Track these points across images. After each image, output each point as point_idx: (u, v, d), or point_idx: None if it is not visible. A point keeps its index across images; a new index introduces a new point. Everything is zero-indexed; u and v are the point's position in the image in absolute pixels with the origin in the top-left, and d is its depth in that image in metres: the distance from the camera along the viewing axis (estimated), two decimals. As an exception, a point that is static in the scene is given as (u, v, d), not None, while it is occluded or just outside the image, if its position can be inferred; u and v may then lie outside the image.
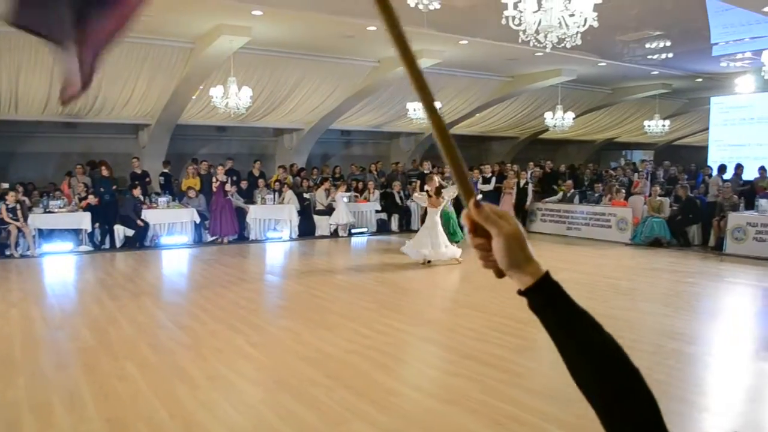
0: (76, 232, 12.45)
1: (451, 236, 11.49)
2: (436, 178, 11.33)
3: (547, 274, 0.99)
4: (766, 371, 5.43)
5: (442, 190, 10.77)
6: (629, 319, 7.06)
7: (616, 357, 0.95)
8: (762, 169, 15.01)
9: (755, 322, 7.62)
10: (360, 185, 16.36)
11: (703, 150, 20.50)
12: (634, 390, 0.93)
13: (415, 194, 11.82)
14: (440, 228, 10.68)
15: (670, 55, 13.77)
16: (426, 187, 11.24)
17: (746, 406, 4.62)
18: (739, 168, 15.27)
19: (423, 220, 11.37)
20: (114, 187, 13.71)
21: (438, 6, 8.24)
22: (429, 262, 10.55)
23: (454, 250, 10.70)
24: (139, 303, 7.85)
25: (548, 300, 0.99)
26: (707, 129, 20.11)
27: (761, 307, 8.42)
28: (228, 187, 13.73)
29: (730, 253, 11.82)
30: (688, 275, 10.12)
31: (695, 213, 13.31)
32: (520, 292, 1.01)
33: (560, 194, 16.02)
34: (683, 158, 21.78)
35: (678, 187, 14.37)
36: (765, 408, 4.64)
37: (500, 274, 1.02)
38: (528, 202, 15.76)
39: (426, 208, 11.14)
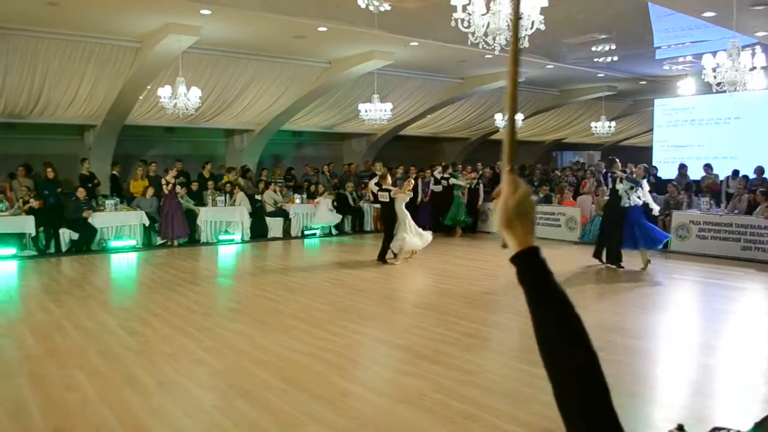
0: (20, 236, 12.06)
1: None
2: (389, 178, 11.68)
3: (535, 247, 1.10)
4: (711, 365, 5.61)
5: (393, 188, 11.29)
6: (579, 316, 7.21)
7: (581, 335, 1.04)
8: (707, 166, 15.53)
9: (699, 317, 7.88)
10: (312, 187, 16.32)
11: (647, 150, 21.06)
12: (592, 370, 1.02)
13: (378, 189, 11.46)
14: (410, 218, 11.07)
15: (615, 58, 14.12)
16: (384, 185, 11.37)
17: (692, 399, 4.77)
18: (683, 168, 15.75)
19: (381, 221, 11.42)
20: (59, 190, 13.34)
21: (388, 8, 8.27)
22: (414, 252, 11.09)
23: (428, 237, 11.26)
24: (87, 309, 7.66)
25: (533, 268, 1.09)
26: (651, 130, 20.67)
27: (705, 302, 8.71)
28: (178, 188, 13.50)
29: (675, 250, 12.20)
30: (635, 272, 10.39)
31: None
32: (510, 259, 1.12)
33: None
34: (629, 159, 22.30)
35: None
36: (710, 401, 4.80)
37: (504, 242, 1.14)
38: (479, 202, 15.98)
39: (382, 210, 11.44)
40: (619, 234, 10.17)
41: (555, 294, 1.07)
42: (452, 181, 15.54)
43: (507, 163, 1.17)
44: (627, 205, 10.12)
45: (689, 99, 18.22)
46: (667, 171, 16.95)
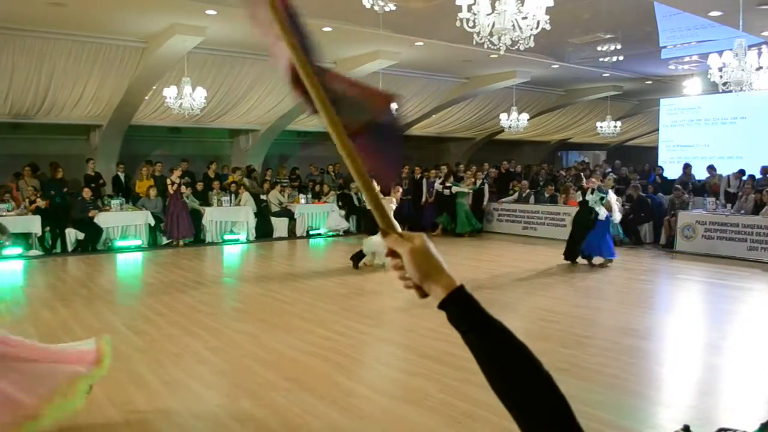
0: (26, 236, 12.11)
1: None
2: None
3: (461, 287, 1.04)
4: (717, 365, 5.59)
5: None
6: (584, 316, 7.21)
7: (528, 365, 1.00)
8: (710, 167, 15.48)
9: (705, 317, 7.85)
10: (317, 187, 16.35)
11: (653, 150, 21.01)
12: (547, 397, 0.98)
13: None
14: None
15: (621, 57, 14.10)
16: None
17: (698, 400, 4.76)
18: (687, 167, 15.70)
19: (372, 223, 10.98)
20: (65, 190, 13.38)
21: (393, 8, 8.27)
22: (383, 264, 10.35)
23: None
24: (93, 308, 7.68)
25: (463, 312, 1.04)
26: (657, 130, 20.62)
27: (711, 303, 8.68)
28: (183, 189, 13.53)
29: (680, 250, 12.16)
30: (641, 273, 10.38)
31: (647, 212, 13.66)
32: (438, 306, 1.05)
33: (516, 194, 16.23)
34: (634, 158, 22.30)
35: (631, 186, 14.72)
36: (716, 401, 4.78)
37: (422, 294, 1.08)
38: (485, 202, 15.97)
39: (365, 215, 10.99)
40: (583, 238, 10.64)
41: (497, 324, 1.04)
42: (455, 189, 15.48)
43: (382, 223, 1.13)
44: (597, 215, 10.53)
45: (695, 99, 18.19)
46: (672, 171, 16.90)
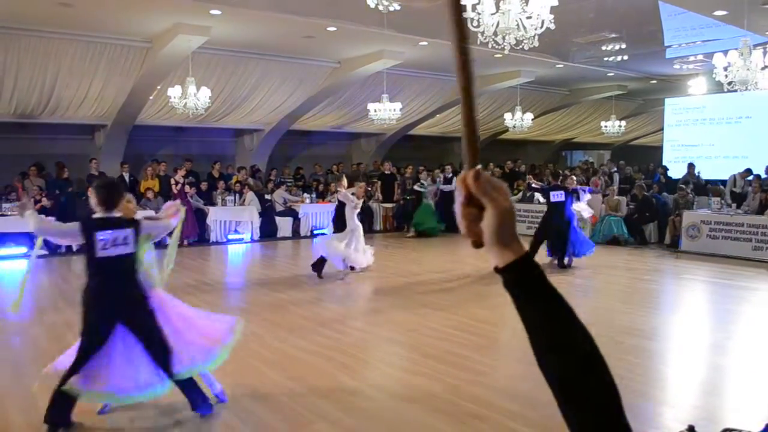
0: (31, 235, 12.12)
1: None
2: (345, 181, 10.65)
3: (528, 254, 0.98)
4: (722, 365, 5.58)
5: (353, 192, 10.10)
6: (589, 316, 7.17)
7: (584, 342, 0.95)
8: (690, 165, 15.48)
9: (710, 317, 7.83)
10: (321, 186, 16.36)
11: (657, 150, 20.97)
12: (599, 377, 0.93)
13: (344, 192, 9.99)
14: (360, 231, 9.93)
15: (626, 57, 14.06)
16: (343, 189, 10.13)
17: (703, 400, 4.75)
18: (691, 167, 15.66)
19: (338, 224, 9.95)
20: (70, 189, 13.41)
21: (398, 7, 8.27)
22: (352, 268, 9.93)
23: (370, 258, 10.10)
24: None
25: (527, 277, 0.97)
26: (662, 129, 20.57)
27: (715, 302, 8.65)
28: (187, 188, 13.54)
29: (685, 250, 12.13)
30: (646, 272, 10.36)
31: (651, 211, 13.64)
32: (498, 269, 0.99)
33: (520, 194, 16.21)
34: (638, 158, 22.26)
35: (635, 186, 14.70)
36: (721, 401, 4.77)
37: (478, 245, 1.01)
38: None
39: (340, 211, 9.97)
40: (556, 237, 10.50)
41: (562, 298, 0.97)
42: (416, 187, 15.53)
43: (469, 164, 1.03)
44: (570, 214, 10.57)
45: (700, 98, 18.14)
46: (677, 171, 16.86)
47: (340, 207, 9.94)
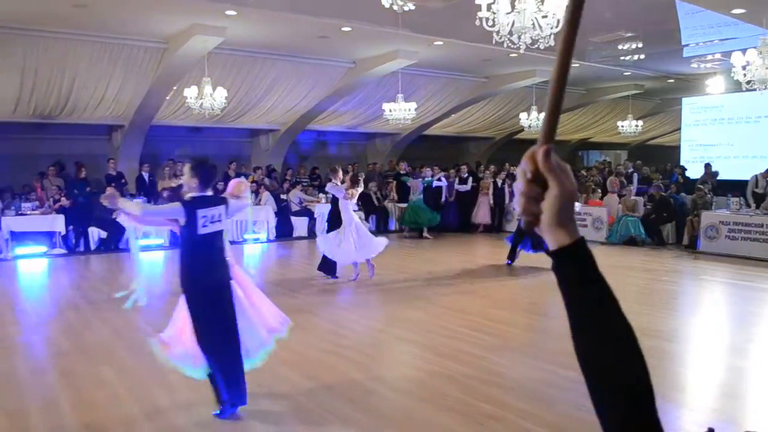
0: (50, 234, 12.27)
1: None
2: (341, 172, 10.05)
3: (583, 239, 0.98)
4: (742, 367, 5.53)
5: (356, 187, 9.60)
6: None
7: (626, 334, 0.97)
8: (707, 165, 15.33)
9: (730, 319, 7.76)
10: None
11: (675, 150, 20.79)
12: (636, 369, 0.95)
13: (332, 183, 9.49)
14: (357, 223, 9.44)
15: (642, 56, 13.96)
16: (341, 182, 9.54)
17: (723, 403, 4.71)
18: (708, 167, 15.52)
19: (333, 221, 9.67)
20: (88, 189, 13.54)
21: (412, 7, 8.27)
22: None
23: (378, 246, 9.47)
24: (116, 306, 7.74)
25: (580, 261, 0.98)
26: (679, 129, 20.40)
27: (735, 304, 8.57)
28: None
29: (704, 251, 12.01)
30: (663, 273, 10.28)
31: (669, 212, 13.52)
32: (552, 251, 0.98)
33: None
34: (656, 158, 22.09)
35: (652, 186, 14.59)
36: (741, 404, 4.73)
37: (531, 226, 1.00)
38: (507, 201, 15.89)
39: (334, 207, 9.62)
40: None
41: (608, 288, 0.99)
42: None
43: (543, 141, 1.00)
44: None
45: (718, 97, 17.97)
46: (695, 170, 16.70)
47: (335, 202, 9.54)
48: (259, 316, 4.53)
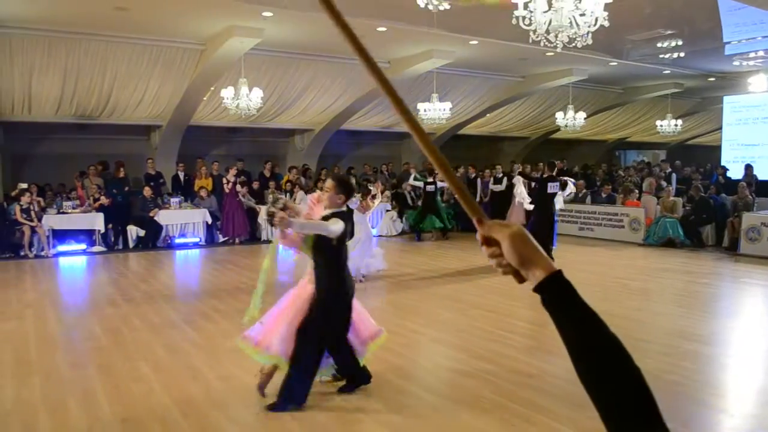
0: (90, 232, 12.54)
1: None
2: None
3: (559, 272, 1.06)
4: (781, 372, 5.38)
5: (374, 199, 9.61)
6: (642, 320, 7.03)
7: (619, 356, 1.01)
8: (747, 166, 14.92)
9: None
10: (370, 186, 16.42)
11: (715, 149, 20.37)
12: (634, 389, 0.99)
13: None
14: (367, 235, 9.35)
15: (682, 54, 13.70)
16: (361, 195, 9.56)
17: (762, 409, 4.59)
18: (748, 168, 15.16)
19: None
20: (126, 188, 13.80)
21: (448, 6, 8.23)
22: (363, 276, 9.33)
23: (380, 263, 9.59)
24: (153, 303, 7.89)
25: (560, 296, 1.05)
26: (720, 128, 19.97)
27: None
28: (239, 188, 13.79)
29: (745, 253, 11.72)
30: (702, 276, 10.06)
31: (709, 213, 13.23)
32: (535, 289, 1.07)
33: (572, 194, 15.93)
34: (696, 158, 21.67)
35: (692, 187, 14.31)
36: (780, 409, 4.60)
37: (519, 278, 1.11)
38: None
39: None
40: (550, 233, 10.49)
41: (591, 313, 1.04)
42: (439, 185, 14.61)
43: (473, 216, 1.16)
44: (555, 207, 10.65)
45: (761, 96, 17.54)
46: (737, 171, 16.33)
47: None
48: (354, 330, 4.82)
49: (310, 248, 4.52)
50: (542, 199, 10.60)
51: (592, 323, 1.03)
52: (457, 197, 1.17)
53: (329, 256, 4.49)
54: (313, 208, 4.67)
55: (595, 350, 1.02)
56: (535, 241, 1.10)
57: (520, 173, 11.93)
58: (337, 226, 4.32)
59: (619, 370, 1.00)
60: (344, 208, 4.58)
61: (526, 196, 10.64)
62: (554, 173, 10.91)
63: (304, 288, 4.61)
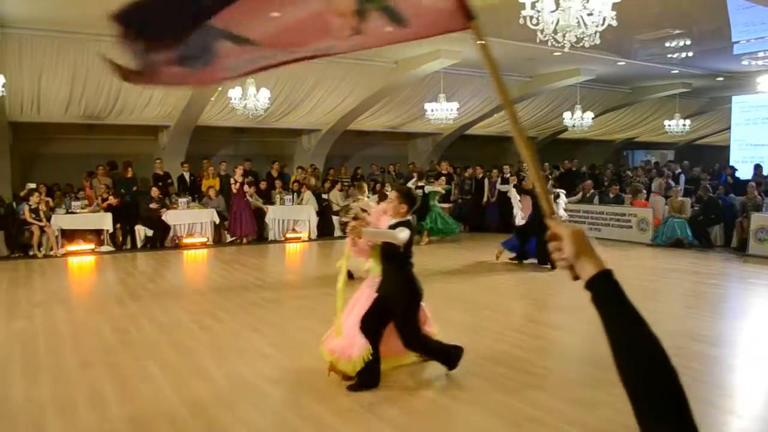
0: (98, 232, 12.59)
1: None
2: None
3: (609, 270, 1.21)
4: (790, 373, 5.35)
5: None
6: (650, 320, 6.99)
7: (657, 353, 1.12)
8: (757, 166, 14.83)
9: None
10: (378, 186, 16.43)
11: (724, 149, 20.27)
12: (670, 386, 1.09)
13: (364, 202, 9.28)
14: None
15: (690, 53, 13.64)
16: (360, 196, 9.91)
17: (770, 409, 4.57)
18: (758, 168, 15.08)
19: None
20: (135, 188, 13.85)
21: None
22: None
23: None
24: (161, 303, 7.92)
25: (608, 293, 1.19)
26: (729, 128, 19.87)
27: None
28: (246, 188, 13.82)
29: (753, 254, 11.66)
30: (711, 276, 10.02)
31: (717, 213, 13.17)
32: (586, 285, 1.22)
33: (580, 194, 15.91)
34: (704, 158, 21.56)
35: (700, 187, 14.25)
36: (789, 411, 4.58)
37: (575, 275, 1.26)
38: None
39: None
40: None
41: (635, 311, 1.15)
42: (427, 188, 14.04)
43: (548, 213, 1.38)
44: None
45: (770, 96, 17.45)
46: (746, 171, 16.25)
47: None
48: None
49: (378, 255, 4.95)
50: (539, 210, 10.57)
51: (635, 321, 1.15)
52: (538, 193, 1.40)
53: (397, 261, 4.86)
54: (380, 219, 5.01)
55: (634, 346, 1.13)
56: (591, 241, 1.26)
57: (515, 186, 11.93)
58: (403, 234, 4.66)
59: (655, 367, 1.11)
60: (408, 218, 4.92)
61: (519, 211, 10.68)
62: (548, 185, 10.88)
63: (370, 298, 5.03)
